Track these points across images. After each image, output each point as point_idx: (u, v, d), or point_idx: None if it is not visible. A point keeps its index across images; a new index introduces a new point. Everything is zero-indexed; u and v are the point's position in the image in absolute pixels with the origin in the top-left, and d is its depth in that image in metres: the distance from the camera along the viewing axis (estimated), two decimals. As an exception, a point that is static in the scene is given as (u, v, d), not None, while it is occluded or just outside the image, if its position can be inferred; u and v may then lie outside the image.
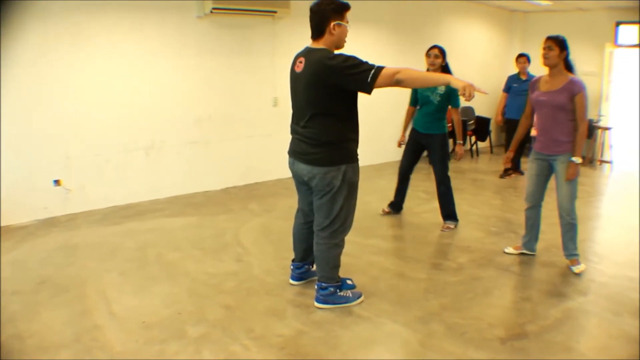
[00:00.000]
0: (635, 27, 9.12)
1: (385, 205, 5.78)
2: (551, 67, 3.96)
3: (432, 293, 3.70)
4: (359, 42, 7.97)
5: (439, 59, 5.17)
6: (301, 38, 7.17)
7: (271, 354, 2.92)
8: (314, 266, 3.71)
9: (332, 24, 3.04)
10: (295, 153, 3.31)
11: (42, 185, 5.66)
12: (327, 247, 3.36)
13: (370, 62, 2.97)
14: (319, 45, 3.12)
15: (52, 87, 5.53)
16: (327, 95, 3.04)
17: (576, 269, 4.09)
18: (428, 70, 5.21)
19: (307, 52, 3.16)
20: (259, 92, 7.11)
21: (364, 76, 2.88)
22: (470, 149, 9.60)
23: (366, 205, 5.90)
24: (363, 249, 4.60)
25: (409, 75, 2.91)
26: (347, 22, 3.14)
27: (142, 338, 3.09)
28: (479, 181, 7.42)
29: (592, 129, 8.80)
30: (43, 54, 5.42)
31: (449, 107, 5.24)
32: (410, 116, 5.60)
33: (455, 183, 7.03)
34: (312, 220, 3.51)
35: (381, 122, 8.51)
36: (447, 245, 4.70)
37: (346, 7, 3.13)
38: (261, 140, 7.21)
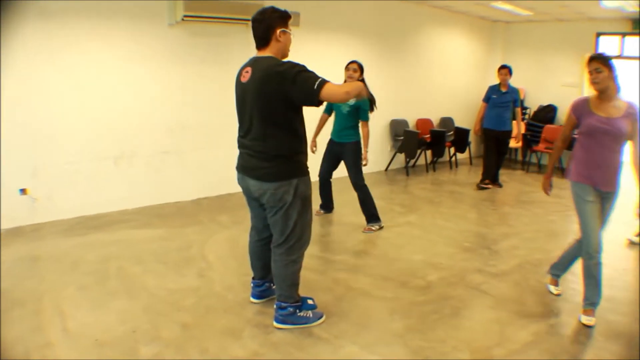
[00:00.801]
0: (615, 37, 9.20)
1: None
2: (602, 91, 3.41)
3: (398, 313, 3.60)
4: (342, 50, 7.99)
5: (357, 73, 5.41)
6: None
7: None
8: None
9: (278, 31, 3.02)
10: (245, 168, 3.21)
11: (8, 194, 5.53)
12: (284, 264, 3.26)
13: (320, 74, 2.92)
14: (266, 53, 3.07)
15: (21, 94, 5.42)
16: (276, 105, 2.95)
17: (586, 320, 3.56)
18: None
19: (254, 62, 3.09)
20: (232, 102, 6.99)
21: (312, 87, 2.82)
22: (450, 161, 9.59)
23: (338, 218, 5.84)
24: (330, 265, 4.51)
25: (351, 88, 2.96)
26: (291, 30, 3.13)
27: (93, 357, 2.99)
28: (456, 194, 7.39)
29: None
30: (12, 62, 5.32)
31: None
32: (323, 123, 5.89)
33: (432, 195, 7.06)
34: (266, 237, 3.44)
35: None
36: (418, 262, 4.61)
37: (289, 16, 3.12)
38: (235, 150, 7.07)
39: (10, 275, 4.24)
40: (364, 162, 5.60)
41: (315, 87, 2.80)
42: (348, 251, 4.91)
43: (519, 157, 10.27)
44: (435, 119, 9.91)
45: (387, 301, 3.80)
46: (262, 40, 3.07)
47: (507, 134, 7.63)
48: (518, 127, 7.81)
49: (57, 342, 3.16)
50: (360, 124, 5.52)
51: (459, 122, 9.88)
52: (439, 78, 9.93)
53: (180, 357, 3.00)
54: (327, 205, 6.15)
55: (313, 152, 5.70)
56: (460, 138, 9.24)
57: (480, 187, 7.72)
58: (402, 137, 8.73)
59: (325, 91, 2.80)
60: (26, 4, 5.27)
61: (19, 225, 5.59)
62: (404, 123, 9.21)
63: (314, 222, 5.56)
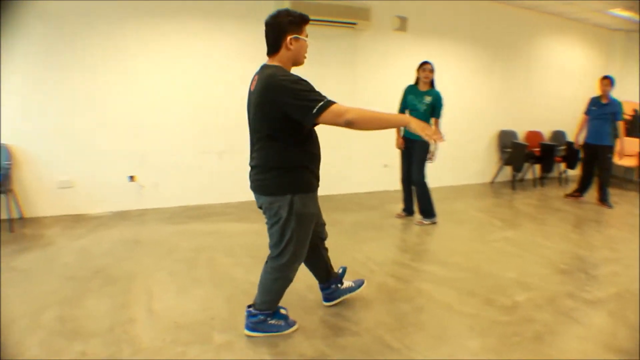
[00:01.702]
0: None
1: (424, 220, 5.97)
2: None
3: (477, 331, 3.41)
4: (449, 57, 7.82)
5: (432, 73, 5.63)
6: (383, 51, 7.23)
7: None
8: (344, 283, 3.68)
9: (288, 37, 2.77)
10: (249, 178, 3.06)
11: (118, 179, 5.96)
12: (274, 278, 3.13)
13: (325, 96, 2.65)
14: (274, 62, 2.84)
15: (133, 87, 5.84)
16: (273, 117, 2.72)
17: None
18: (418, 80, 5.72)
19: (260, 70, 2.88)
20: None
21: (310, 105, 2.57)
22: (559, 177, 9.07)
23: (437, 228, 5.71)
24: (417, 275, 4.39)
25: (361, 116, 2.57)
26: (307, 36, 2.88)
27: (169, 337, 3.13)
28: (561, 212, 6.93)
29: None
30: (125, 56, 5.75)
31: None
32: None
33: (535, 212, 6.71)
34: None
35: (464, 144, 8.24)
36: (508, 279, 4.36)
37: (305, 20, 2.85)
38: (336, 152, 7.18)
39: (111, 255, 4.58)
40: (429, 157, 5.74)
41: (314, 110, 2.55)
42: (439, 262, 4.74)
43: (635, 177, 9.46)
44: (546, 132, 9.40)
45: (468, 317, 3.62)
46: (271, 47, 2.83)
47: (607, 149, 7.14)
48: (621, 143, 7.23)
49: (139, 320, 3.35)
50: (432, 121, 5.66)
51: (572, 136, 9.30)
52: (552, 88, 9.40)
53: (250, 348, 3.05)
54: (408, 207, 6.18)
55: (401, 149, 5.92)
56: (572, 153, 8.67)
57: (568, 196, 7.59)
58: (509, 149, 8.37)
59: (325, 116, 2.56)
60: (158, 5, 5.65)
61: (126, 209, 6.01)
62: (512, 134, 8.83)
63: (409, 229, 5.66)
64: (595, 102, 7.18)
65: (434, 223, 5.84)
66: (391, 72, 7.28)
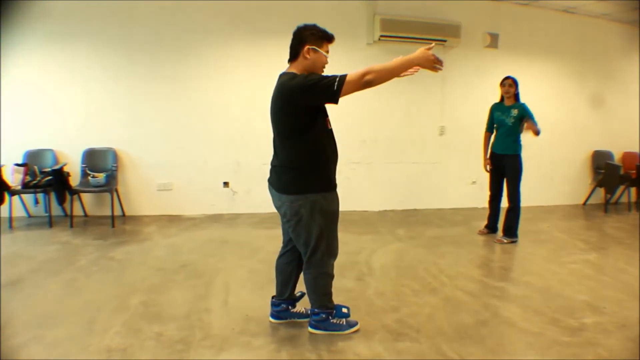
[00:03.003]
0: None
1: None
2: None
3: (535, 349, 3.34)
4: (541, 74, 7.68)
5: (512, 88, 5.59)
6: (473, 67, 7.27)
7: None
8: (295, 307, 3.58)
9: (306, 47, 2.98)
10: (269, 180, 3.23)
11: (213, 185, 6.42)
12: (314, 276, 3.25)
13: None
14: (292, 69, 3.06)
15: (231, 99, 6.30)
16: (290, 117, 2.95)
17: None
18: (502, 99, 5.71)
19: (279, 77, 3.09)
20: (425, 120, 7.21)
21: (329, 86, 2.76)
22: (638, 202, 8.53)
23: (512, 247, 5.65)
24: (486, 290, 4.37)
25: (377, 71, 2.77)
26: (327, 52, 3.07)
27: (238, 327, 3.40)
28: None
29: None
30: (222, 71, 6.25)
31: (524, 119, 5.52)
32: (487, 141, 5.91)
33: (624, 236, 6.39)
34: (287, 251, 3.43)
35: (555, 163, 8.01)
36: (579, 302, 4.21)
37: (327, 38, 3.05)
38: (425, 167, 7.29)
39: (198, 251, 5.00)
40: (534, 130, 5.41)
41: (335, 87, 2.75)
42: (511, 280, 4.70)
43: None
44: (644, 153, 8.87)
45: (530, 335, 3.55)
46: (291, 55, 3.07)
47: None
48: None
49: (214, 310, 3.66)
50: (527, 122, 5.45)
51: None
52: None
53: (310, 344, 3.23)
54: (492, 225, 6.13)
55: (487, 170, 5.89)
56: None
57: None
58: (603, 170, 8.02)
59: (346, 88, 2.75)
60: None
61: (219, 213, 6.47)
62: (607, 155, 8.42)
63: (488, 246, 5.65)
64: None
65: (514, 242, 5.75)
66: (482, 89, 7.26)
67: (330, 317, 3.37)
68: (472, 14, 7.17)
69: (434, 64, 2.88)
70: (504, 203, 5.80)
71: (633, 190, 8.36)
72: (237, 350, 3.10)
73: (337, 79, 2.77)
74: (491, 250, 5.58)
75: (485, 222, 6.18)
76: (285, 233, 3.42)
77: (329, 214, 3.15)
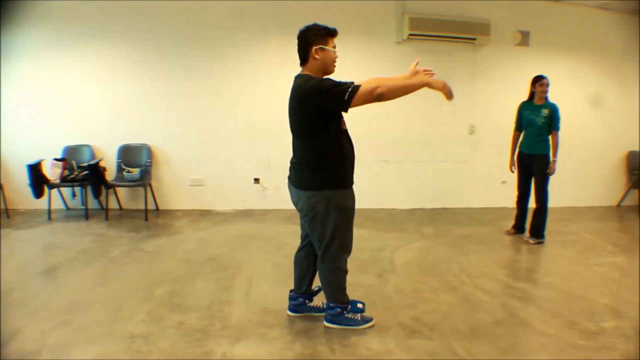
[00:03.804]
0: None
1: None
2: None
3: (548, 351, 3.32)
4: (573, 72, 7.58)
5: (547, 87, 5.57)
6: (503, 66, 7.26)
7: (350, 363, 3.05)
8: (313, 301, 3.66)
9: (314, 48, 3.07)
10: (289, 177, 3.36)
11: (245, 181, 6.59)
12: (328, 270, 3.33)
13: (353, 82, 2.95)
14: (305, 71, 3.17)
15: (263, 98, 6.44)
16: (306, 119, 3.06)
17: None
18: (532, 95, 5.69)
19: (294, 79, 3.20)
20: (454, 118, 7.21)
21: (340, 94, 2.87)
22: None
23: (538, 248, 5.61)
24: (507, 290, 4.36)
25: (389, 87, 2.87)
26: (334, 47, 3.14)
27: (256, 318, 3.52)
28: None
29: None
30: (254, 72, 6.38)
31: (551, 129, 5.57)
32: (516, 140, 5.89)
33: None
34: (304, 246, 3.54)
35: (588, 164, 7.89)
36: (601, 305, 4.12)
37: (330, 33, 3.12)
38: (454, 166, 7.28)
39: (226, 245, 5.18)
40: (549, 172, 5.59)
41: (346, 97, 2.86)
42: (532, 280, 4.67)
43: None
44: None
45: (545, 337, 3.52)
46: (301, 58, 3.17)
47: None
48: None
49: (235, 302, 3.80)
50: (551, 134, 5.59)
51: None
52: None
53: (325, 337, 3.31)
54: (519, 225, 6.09)
55: (512, 171, 5.89)
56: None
57: None
58: (638, 172, 7.85)
59: (357, 99, 2.86)
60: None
61: (249, 209, 6.63)
62: (643, 156, 8.23)
63: (514, 246, 5.64)
64: None
65: (540, 243, 5.71)
66: (513, 88, 7.18)
67: (345, 312, 3.44)
68: (502, 11, 7.12)
69: (449, 92, 2.95)
70: (532, 203, 5.76)
71: (671, 192, 8.12)
72: (253, 341, 3.22)
73: (350, 89, 2.88)
74: (516, 251, 5.56)
75: (512, 222, 6.14)
76: (303, 228, 3.54)
77: (344, 210, 3.24)
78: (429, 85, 2.94)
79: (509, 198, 6.70)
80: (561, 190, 7.21)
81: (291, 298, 3.65)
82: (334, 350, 3.16)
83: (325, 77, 3.16)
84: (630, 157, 8.24)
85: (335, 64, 3.22)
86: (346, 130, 3.27)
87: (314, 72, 3.15)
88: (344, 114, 3.12)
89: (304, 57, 3.16)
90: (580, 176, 7.86)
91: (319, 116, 3.05)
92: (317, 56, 3.11)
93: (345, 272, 3.42)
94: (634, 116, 8.15)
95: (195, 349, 3.09)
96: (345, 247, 3.33)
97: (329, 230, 3.21)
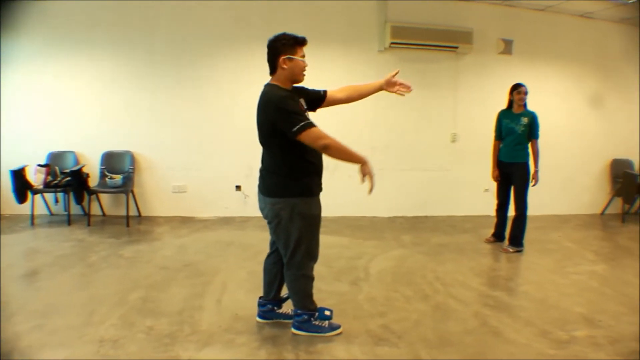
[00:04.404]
0: None
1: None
2: None
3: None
4: (558, 80, 7.63)
5: (526, 95, 5.60)
6: (486, 74, 7.33)
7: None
8: (281, 308, 3.68)
9: (281, 58, 3.10)
10: (258, 185, 3.40)
11: (227, 188, 6.62)
12: (294, 278, 3.37)
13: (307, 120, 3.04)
14: (273, 80, 3.21)
15: (243, 106, 6.43)
16: (270, 130, 3.11)
17: None
18: (511, 103, 5.73)
19: (263, 87, 3.24)
20: (437, 126, 7.26)
21: (291, 123, 2.97)
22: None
23: (517, 257, 5.64)
24: (480, 298, 4.37)
25: (336, 147, 3.04)
26: (303, 56, 3.18)
27: (225, 325, 3.55)
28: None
29: None
30: (237, 77, 6.48)
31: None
32: (497, 149, 5.91)
33: (636, 247, 6.23)
34: (272, 252, 3.59)
35: (572, 172, 7.95)
36: (575, 314, 4.11)
37: (299, 42, 3.15)
38: (436, 174, 7.33)
39: (204, 252, 5.23)
40: (532, 183, 5.65)
41: (293, 129, 2.97)
42: (508, 289, 4.69)
43: None
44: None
45: (515, 346, 3.52)
46: (270, 67, 3.21)
47: None
48: None
49: (206, 308, 3.83)
50: (530, 143, 5.64)
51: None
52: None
53: (290, 344, 3.33)
54: (499, 233, 6.09)
55: (496, 181, 5.91)
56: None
57: None
58: (621, 179, 7.88)
59: (303, 137, 2.99)
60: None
61: (231, 216, 6.65)
62: (627, 164, 8.23)
63: (492, 255, 5.68)
64: None
65: (519, 251, 5.74)
66: (496, 96, 7.17)
67: (312, 319, 3.46)
68: (485, 20, 7.20)
69: (369, 178, 3.17)
70: (512, 212, 5.80)
71: (653, 200, 8.14)
72: (220, 347, 3.24)
73: (302, 124, 2.98)
74: (495, 259, 5.59)
75: (492, 230, 6.18)
76: (272, 234, 3.55)
77: (309, 218, 3.27)
78: (363, 167, 3.14)
79: (491, 206, 6.74)
80: (545, 199, 7.28)
81: (260, 304, 3.67)
82: (299, 357, 3.18)
83: (295, 85, 3.24)
84: (614, 165, 8.29)
85: (305, 73, 3.25)
86: None
87: (282, 81, 3.19)
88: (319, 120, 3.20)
89: (273, 66, 3.20)
90: (564, 184, 7.91)
91: (277, 129, 3.08)
92: (285, 66, 3.14)
93: (312, 279, 3.45)
94: (618, 125, 8.22)
95: (162, 354, 3.12)
96: (310, 254, 3.36)
97: (293, 237, 3.24)
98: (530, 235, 5.90)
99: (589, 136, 8.10)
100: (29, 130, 6.55)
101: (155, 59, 6.56)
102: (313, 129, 3.01)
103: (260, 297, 3.70)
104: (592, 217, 8.11)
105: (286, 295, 3.66)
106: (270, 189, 3.25)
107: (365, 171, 3.12)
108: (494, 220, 6.13)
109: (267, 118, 3.09)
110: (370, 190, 3.16)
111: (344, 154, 3.10)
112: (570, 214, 8.13)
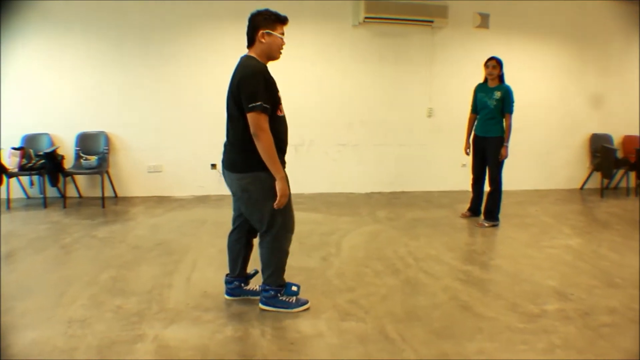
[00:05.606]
0: None
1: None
2: None
3: (484, 334, 3.29)
4: (536, 55, 7.61)
5: (496, 69, 5.55)
6: (462, 48, 7.29)
7: (273, 345, 3.06)
8: (249, 284, 3.69)
9: (260, 32, 3.11)
10: (222, 159, 3.37)
11: (202, 167, 6.60)
12: (270, 250, 3.35)
13: (261, 100, 2.98)
14: (250, 53, 3.20)
15: (216, 84, 6.36)
16: (237, 99, 3.08)
17: None
18: (486, 80, 5.68)
19: (239, 59, 3.23)
20: (413, 101, 7.25)
21: (250, 99, 2.97)
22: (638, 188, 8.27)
23: (492, 231, 5.67)
24: (451, 273, 4.38)
25: (264, 142, 3.01)
26: (282, 34, 3.19)
27: (193, 302, 3.55)
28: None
29: None
30: (210, 59, 6.43)
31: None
32: (472, 123, 5.95)
33: (614, 221, 6.30)
34: (236, 227, 3.57)
35: (551, 146, 7.98)
36: (547, 287, 4.12)
37: (280, 20, 3.18)
38: (413, 150, 7.34)
39: (176, 231, 5.23)
40: (501, 156, 5.63)
41: (249, 106, 2.96)
42: (480, 263, 4.68)
43: None
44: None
45: (483, 320, 3.51)
46: (248, 40, 3.20)
47: None
48: None
49: (175, 286, 3.84)
50: (504, 117, 5.62)
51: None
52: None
53: (257, 319, 3.35)
54: (475, 208, 6.14)
55: (467, 154, 5.93)
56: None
57: None
58: (600, 154, 7.92)
59: (253, 117, 2.98)
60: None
61: (207, 194, 6.65)
62: (606, 138, 8.28)
63: (467, 230, 5.71)
64: None
65: (495, 226, 5.78)
66: (472, 71, 7.16)
67: (279, 295, 3.47)
68: (461, -7, 7.14)
69: (282, 200, 3.16)
70: (488, 186, 5.82)
71: (632, 174, 8.21)
72: (186, 324, 3.25)
73: (258, 104, 2.97)
74: (470, 234, 5.61)
75: (468, 205, 6.21)
76: (234, 210, 3.57)
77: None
78: (280, 183, 3.11)
79: (468, 181, 6.78)
80: (524, 173, 7.33)
81: (227, 282, 3.67)
82: (265, 333, 3.18)
83: (259, 74, 3.11)
84: (593, 140, 8.33)
85: (282, 51, 3.25)
86: (283, 116, 3.29)
87: (258, 55, 3.18)
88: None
89: (251, 39, 3.19)
90: (543, 159, 7.95)
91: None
92: (263, 40, 3.13)
93: (287, 253, 3.45)
94: (597, 99, 8.22)
95: (129, 332, 3.12)
96: (287, 226, 3.35)
97: (267, 210, 3.21)
98: (507, 209, 5.92)
99: (567, 111, 8.11)
100: (2, 114, 6.47)
101: (127, 37, 6.47)
102: (262, 115, 2.99)
103: (226, 275, 3.70)
104: (571, 192, 8.16)
105: (254, 271, 3.67)
106: (236, 165, 3.22)
107: (279, 187, 3.11)
108: (470, 195, 6.14)
109: (238, 86, 3.06)
110: (277, 205, 3.16)
111: (269, 157, 3.07)
112: (550, 189, 8.19)
